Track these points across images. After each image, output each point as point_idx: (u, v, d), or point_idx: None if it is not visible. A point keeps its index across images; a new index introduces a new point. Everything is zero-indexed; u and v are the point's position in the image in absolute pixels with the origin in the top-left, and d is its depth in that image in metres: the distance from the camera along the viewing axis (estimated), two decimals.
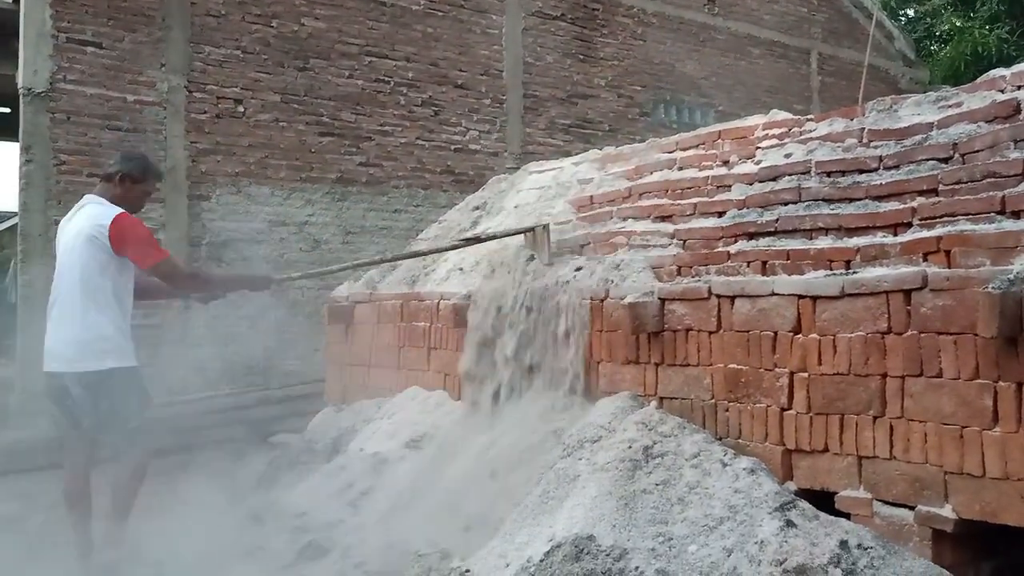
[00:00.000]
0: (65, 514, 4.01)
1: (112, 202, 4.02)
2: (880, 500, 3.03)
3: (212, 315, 7.00)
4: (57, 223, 6.83)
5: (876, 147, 3.61)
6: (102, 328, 3.89)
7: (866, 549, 2.75)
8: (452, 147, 9.23)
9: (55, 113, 7.16)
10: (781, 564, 2.76)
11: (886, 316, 3.03)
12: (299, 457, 5.35)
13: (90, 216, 3.97)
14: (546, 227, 4.90)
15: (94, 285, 3.90)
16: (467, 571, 3.40)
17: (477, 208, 6.00)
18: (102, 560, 3.85)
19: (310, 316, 8.05)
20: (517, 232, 5.03)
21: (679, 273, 4.01)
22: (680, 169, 4.56)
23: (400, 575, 3.55)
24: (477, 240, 5.26)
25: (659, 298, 3.88)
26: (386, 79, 8.85)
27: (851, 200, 3.50)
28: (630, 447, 3.48)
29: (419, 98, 9.05)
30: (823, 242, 3.48)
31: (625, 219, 4.58)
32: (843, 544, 2.76)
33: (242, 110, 8.04)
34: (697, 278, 3.87)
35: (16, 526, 4.66)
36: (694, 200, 4.22)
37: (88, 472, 4.01)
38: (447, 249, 5.45)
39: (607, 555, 2.97)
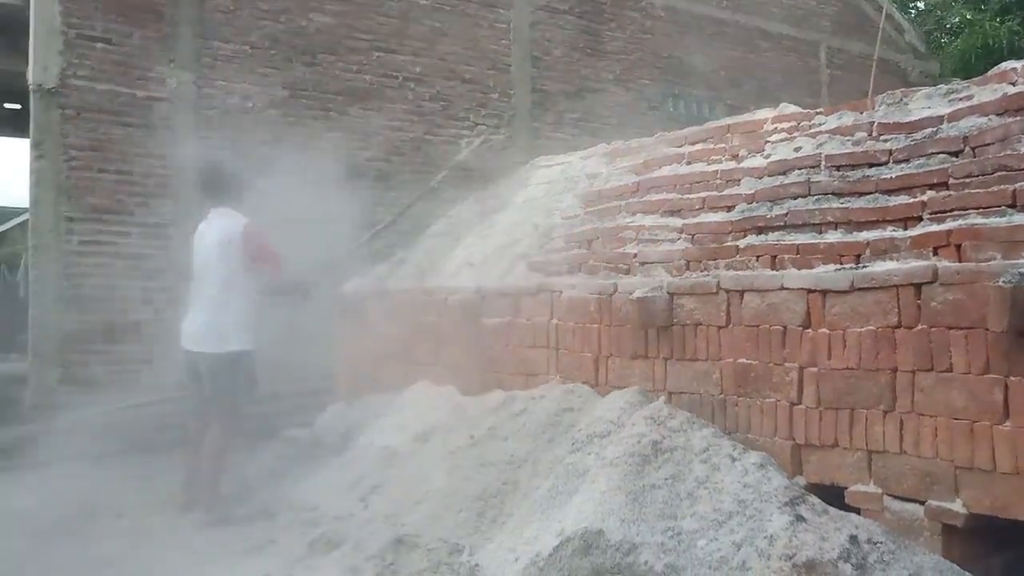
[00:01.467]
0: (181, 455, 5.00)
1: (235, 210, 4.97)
2: (890, 495, 3.03)
3: None
4: (68, 219, 6.94)
5: (886, 140, 3.59)
6: (223, 320, 4.80)
7: (876, 544, 2.75)
8: (460, 141, 9.22)
9: (65, 109, 7.17)
10: (791, 559, 2.76)
11: (896, 310, 3.03)
12: (309, 451, 5.37)
13: (225, 227, 4.90)
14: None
15: (223, 283, 4.82)
16: (476, 565, 3.41)
17: (488, 201, 6.01)
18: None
19: (320, 310, 8.05)
20: None
21: (688, 268, 4.01)
22: (689, 163, 4.55)
23: (411, 569, 3.56)
24: None
25: (668, 293, 3.88)
26: (394, 74, 8.83)
27: (861, 194, 3.49)
28: (639, 442, 3.48)
29: (427, 93, 9.03)
30: (833, 236, 3.47)
31: (634, 214, 4.57)
32: (853, 539, 2.76)
33: (251, 105, 8.04)
34: (706, 273, 3.87)
35: (31, 521, 4.69)
36: (703, 194, 4.21)
37: (203, 430, 4.84)
38: None
39: (616, 549, 2.98)
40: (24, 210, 11.90)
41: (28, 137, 7.32)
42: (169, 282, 7.06)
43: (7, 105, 11.70)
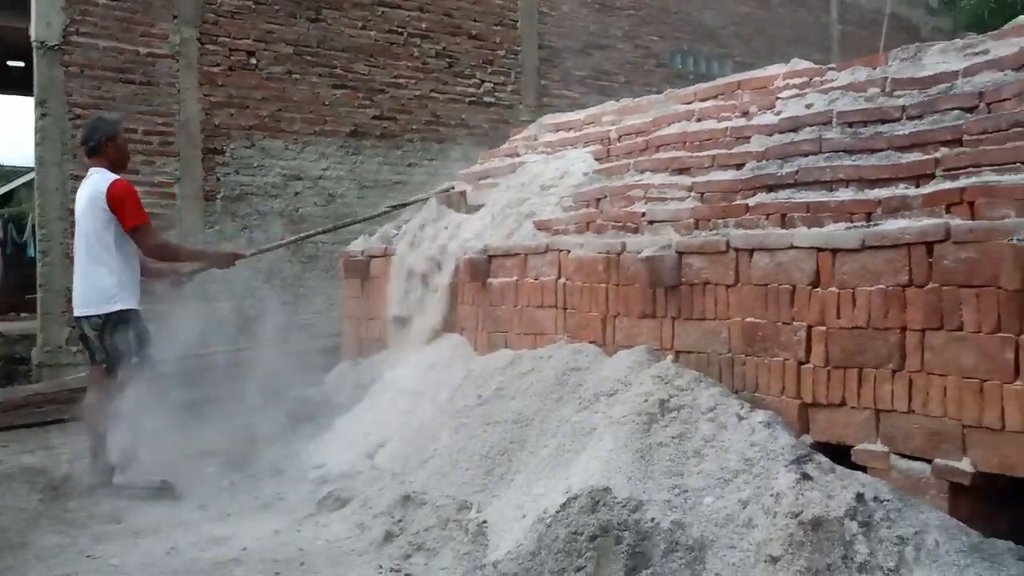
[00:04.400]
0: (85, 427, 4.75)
1: (109, 167, 4.69)
2: (897, 453, 3.03)
3: (228, 270, 7.02)
4: (74, 177, 6.91)
5: (899, 96, 3.53)
6: (104, 279, 4.57)
7: (882, 502, 2.76)
8: (467, 99, 9.13)
9: (69, 66, 7.12)
10: (797, 516, 2.77)
11: (907, 269, 3.00)
12: (317, 410, 5.41)
13: (94, 183, 4.63)
14: (463, 193, 5.78)
15: (95, 243, 4.58)
16: (484, 522, 3.44)
17: (508, 156, 5.96)
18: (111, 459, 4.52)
19: (326, 270, 8.07)
20: (432, 195, 5.85)
21: (697, 226, 3.98)
22: (698, 120, 4.49)
23: (419, 526, 3.60)
24: (403, 205, 6.23)
25: (676, 252, 3.85)
26: (399, 30, 8.74)
27: (873, 151, 3.44)
28: (646, 400, 3.48)
29: (433, 49, 8.93)
30: (844, 194, 3.43)
31: (642, 172, 4.53)
32: (859, 497, 2.77)
33: (255, 62, 7.97)
34: (715, 231, 3.84)
35: (40, 476, 4.75)
36: (712, 152, 4.16)
37: (103, 397, 4.57)
38: (380, 215, 6.30)
39: (623, 507, 2.99)
40: (30, 169, 11.88)
41: (32, 95, 7.28)
42: (174, 240, 7.05)
43: (11, 63, 11.62)
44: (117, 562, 3.50)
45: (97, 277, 4.58)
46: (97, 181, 4.64)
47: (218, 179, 7.81)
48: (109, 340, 4.57)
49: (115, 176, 4.65)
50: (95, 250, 4.58)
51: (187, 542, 3.74)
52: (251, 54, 7.96)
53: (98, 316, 4.57)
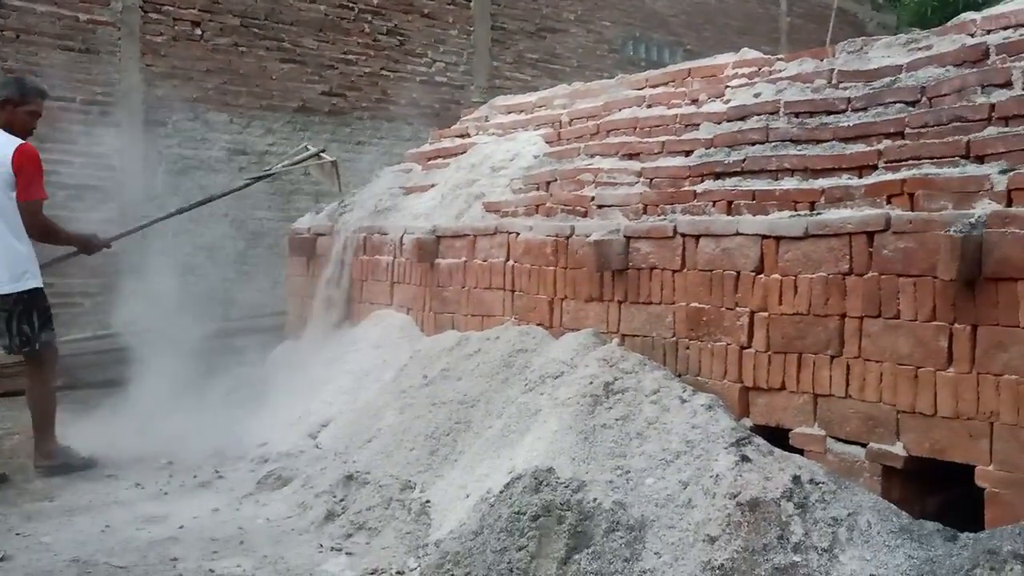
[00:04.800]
0: None
1: (4, 129, 4.34)
2: (833, 437, 3.11)
3: (169, 244, 6.87)
4: None
5: (845, 88, 3.60)
6: (18, 251, 4.27)
7: (818, 484, 2.82)
8: (418, 78, 9.05)
9: (4, 31, 6.86)
10: (735, 497, 2.82)
11: (848, 257, 3.07)
12: (258, 389, 5.33)
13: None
14: (334, 162, 5.72)
15: (6, 211, 4.25)
16: (428, 501, 3.44)
17: (458, 137, 5.91)
18: (39, 468, 4.33)
19: (270, 247, 7.94)
20: (304, 160, 5.71)
21: (645, 212, 4.00)
22: (649, 107, 4.52)
23: (361, 505, 3.58)
24: (268, 175, 6.04)
25: (624, 236, 3.88)
26: (350, 5, 8.60)
27: (818, 141, 3.50)
28: (591, 383, 3.51)
29: (384, 26, 8.82)
30: (789, 183, 3.48)
31: (592, 156, 4.55)
32: (796, 479, 2.83)
33: (200, 33, 7.77)
34: (663, 217, 3.87)
35: None
36: (662, 138, 4.19)
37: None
38: (239, 189, 6.06)
39: (566, 487, 3.01)
40: None
41: None
42: (114, 214, 6.87)
43: None
44: (49, 540, 3.42)
45: (12, 248, 4.24)
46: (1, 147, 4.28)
47: (160, 152, 7.62)
48: (16, 322, 4.28)
49: (19, 140, 4.32)
50: (9, 220, 4.24)
51: (122, 520, 3.67)
52: (196, 24, 7.76)
53: (7, 295, 4.24)
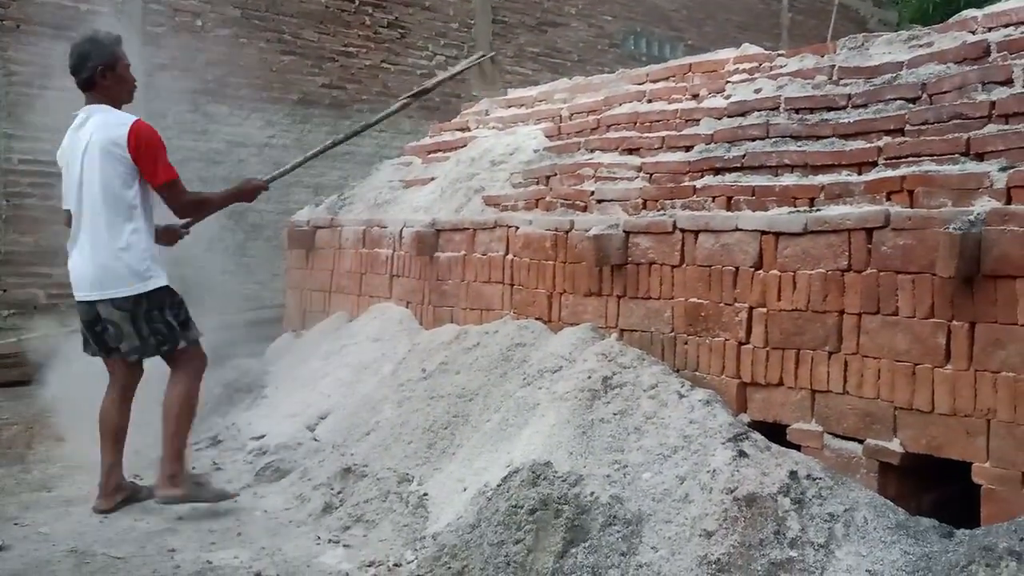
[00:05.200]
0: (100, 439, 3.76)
1: (111, 104, 3.73)
2: (831, 433, 3.11)
3: None
4: (7, 136, 6.65)
5: (846, 85, 3.60)
6: (134, 248, 3.64)
7: (815, 480, 2.83)
8: (418, 72, 9.03)
9: (4, 20, 6.84)
10: (732, 492, 2.83)
11: (847, 254, 3.07)
12: (257, 381, 5.33)
13: (105, 127, 3.64)
14: (492, 57, 5.50)
15: (119, 201, 3.63)
16: (425, 494, 3.45)
17: (459, 131, 5.90)
18: (158, 497, 3.64)
19: (269, 240, 7.93)
20: (467, 67, 5.60)
21: (644, 207, 4.01)
22: (649, 102, 4.52)
23: (359, 498, 3.59)
24: (424, 91, 5.78)
25: (624, 231, 3.88)
26: None
27: (818, 138, 3.50)
28: (589, 377, 3.52)
29: (385, 19, 8.80)
30: (788, 179, 3.49)
31: (592, 151, 4.54)
32: (793, 475, 2.84)
33: (200, 24, 7.75)
34: (662, 212, 3.87)
35: None
36: (662, 133, 4.19)
37: (125, 400, 3.79)
38: (395, 111, 5.80)
39: (563, 481, 3.02)
40: None
41: None
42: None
43: None
44: (47, 530, 3.42)
45: (121, 248, 3.61)
46: (106, 123, 3.64)
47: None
48: (146, 325, 3.65)
49: (131, 116, 3.69)
50: (113, 212, 3.60)
51: (120, 511, 3.67)
52: (197, 15, 7.74)
53: (127, 297, 3.61)
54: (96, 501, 3.66)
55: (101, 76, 3.71)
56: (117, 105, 3.77)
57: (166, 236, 4.08)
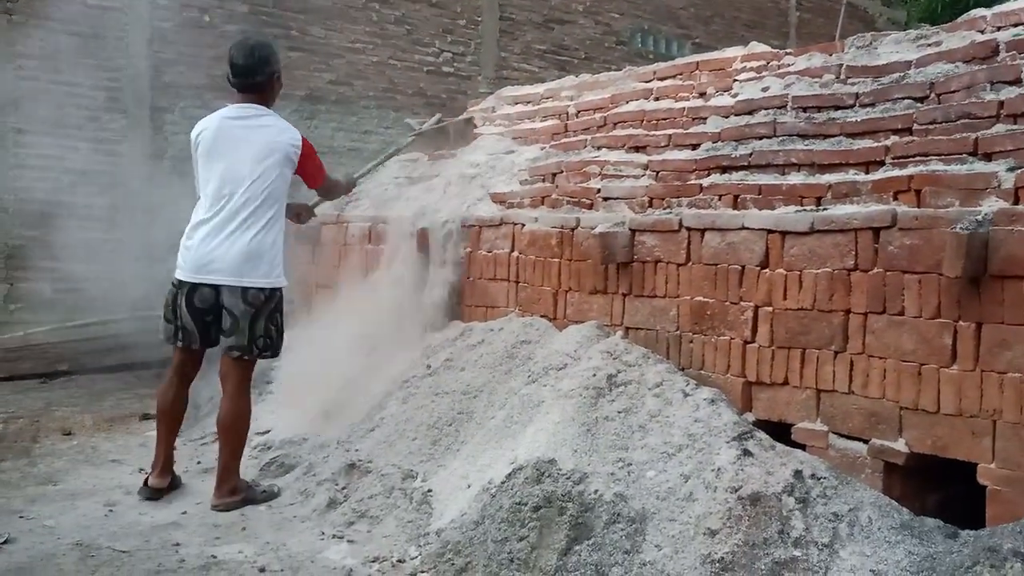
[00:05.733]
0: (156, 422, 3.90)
1: (267, 107, 3.90)
2: (836, 433, 3.11)
3: (175, 230, 6.87)
4: (16, 131, 6.66)
5: (853, 84, 3.59)
6: (277, 245, 3.80)
7: (819, 479, 2.83)
8: (425, 68, 9.03)
9: (13, 15, 6.85)
10: (736, 491, 2.82)
11: (853, 253, 3.06)
12: (262, 376, 5.33)
13: (279, 131, 3.84)
14: (470, 120, 5.37)
15: (277, 201, 3.81)
16: (429, 491, 3.45)
17: (453, 132, 5.89)
18: (219, 505, 3.67)
19: None
20: (442, 124, 5.54)
21: (651, 205, 4.00)
22: (656, 100, 4.51)
23: (363, 493, 3.59)
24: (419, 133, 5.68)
25: (630, 229, 3.87)
26: None
27: (825, 136, 3.49)
28: (594, 375, 3.51)
29: (392, 15, 8.79)
30: (795, 178, 3.48)
31: (599, 148, 4.54)
32: (797, 474, 2.83)
33: (208, 19, 7.76)
34: (668, 210, 3.87)
35: None
36: (669, 131, 4.19)
37: (184, 388, 3.91)
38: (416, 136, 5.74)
39: (567, 478, 3.02)
40: None
41: None
42: (119, 200, 6.88)
43: None
44: (52, 523, 3.43)
45: (257, 241, 3.69)
46: (280, 127, 3.84)
47: (166, 138, 7.61)
48: (263, 323, 3.72)
49: (293, 128, 3.92)
50: (269, 208, 3.73)
51: (126, 505, 3.68)
52: (204, 11, 7.74)
53: (260, 289, 3.69)
54: (151, 479, 3.79)
55: (276, 81, 3.94)
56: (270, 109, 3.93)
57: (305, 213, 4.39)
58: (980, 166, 2.92)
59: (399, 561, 3.13)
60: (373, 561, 3.15)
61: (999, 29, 3.29)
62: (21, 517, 3.49)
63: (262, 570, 3.06)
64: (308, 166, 3.93)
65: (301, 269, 6.18)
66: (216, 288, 3.71)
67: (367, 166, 5.36)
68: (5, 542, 3.20)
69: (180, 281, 3.77)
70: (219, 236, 3.71)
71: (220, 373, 3.80)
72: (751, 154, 3.69)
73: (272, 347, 3.81)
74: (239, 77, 3.87)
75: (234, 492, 3.71)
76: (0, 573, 2.95)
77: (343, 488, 3.69)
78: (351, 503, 3.57)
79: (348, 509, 3.54)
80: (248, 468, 4.16)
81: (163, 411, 3.86)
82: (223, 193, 3.74)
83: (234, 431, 3.76)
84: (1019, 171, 2.78)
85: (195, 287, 3.73)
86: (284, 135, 3.84)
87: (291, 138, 3.84)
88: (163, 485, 3.78)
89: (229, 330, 3.71)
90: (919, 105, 3.28)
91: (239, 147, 3.77)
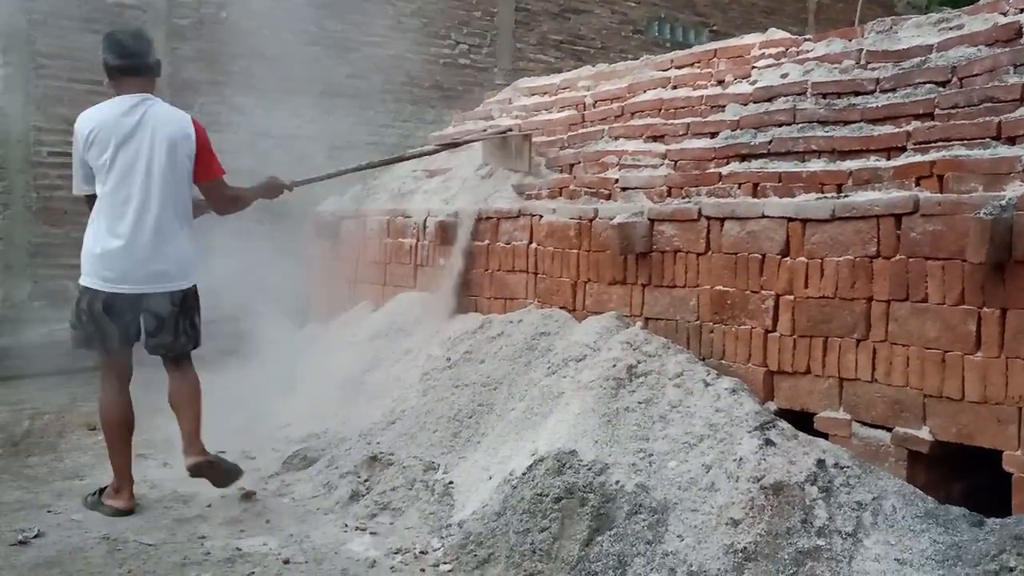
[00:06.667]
0: (109, 438, 3.71)
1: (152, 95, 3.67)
2: (859, 421, 3.09)
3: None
4: (37, 129, 6.73)
5: (874, 69, 3.55)
6: (191, 244, 3.71)
7: (843, 468, 2.81)
8: (441, 61, 9.02)
9: (32, 13, 6.91)
10: (759, 481, 2.81)
11: (875, 240, 3.03)
12: (284, 370, 5.37)
13: (170, 119, 3.62)
14: (527, 136, 4.92)
15: (184, 197, 3.66)
16: (451, 482, 3.46)
17: (482, 119, 5.90)
18: (197, 462, 3.64)
19: (292, 231, 7.95)
20: (495, 135, 5.04)
21: (669, 194, 3.98)
22: (674, 88, 4.48)
23: (385, 486, 3.61)
24: (455, 144, 5.31)
25: (648, 219, 3.86)
26: None
27: (846, 123, 3.46)
28: (614, 366, 3.51)
29: (408, 8, 8.79)
30: (816, 165, 3.45)
31: (616, 138, 4.52)
32: (820, 463, 2.82)
33: (225, 16, 7.79)
34: (687, 199, 3.85)
35: (4, 433, 4.68)
36: (687, 120, 4.16)
37: (126, 392, 3.74)
38: (429, 153, 5.44)
39: (588, 469, 3.02)
40: None
41: None
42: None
43: None
44: (80, 517, 3.48)
45: (176, 242, 3.61)
46: (170, 116, 3.63)
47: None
48: (185, 320, 3.68)
49: (185, 112, 3.74)
50: (171, 208, 3.59)
51: (151, 499, 3.72)
52: (222, 7, 7.77)
53: (181, 291, 3.64)
54: (126, 503, 3.60)
55: (159, 67, 3.74)
56: None
57: (268, 192, 4.16)
58: (1003, 150, 2.88)
59: (422, 552, 3.14)
60: (396, 553, 3.17)
61: (1022, 11, 3.23)
62: (49, 512, 3.54)
63: (287, 562, 3.09)
64: (203, 154, 3.68)
65: (320, 264, 6.22)
66: (138, 294, 3.57)
67: (320, 175, 5.03)
68: (35, 536, 3.25)
69: (95, 290, 3.56)
70: (137, 242, 3.53)
71: (165, 366, 3.76)
72: (771, 141, 3.66)
73: (194, 340, 3.74)
74: (130, 59, 3.61)
75: (204, 452, 3.64)
76: (30, 567, 2.99)
77: (365, 480, 3.71)
78: (373, 495, 3.59)
79: (371, 501, 3.56)
80: (271, 461, 4.20)
81: (120, 422, 3.68)
82: (130, 194, 3.53)
83: (197, 397, 3.72)
84: None
85: (115, 295, 3.55)
86: (175, 124, 3.61)
87: (185, 128, 3.63)
88: (135, 504, 3.63)
89: (153, 332, 3.64)
90: (941, 89, 3.24)
91: (127, 141, 3.54)
